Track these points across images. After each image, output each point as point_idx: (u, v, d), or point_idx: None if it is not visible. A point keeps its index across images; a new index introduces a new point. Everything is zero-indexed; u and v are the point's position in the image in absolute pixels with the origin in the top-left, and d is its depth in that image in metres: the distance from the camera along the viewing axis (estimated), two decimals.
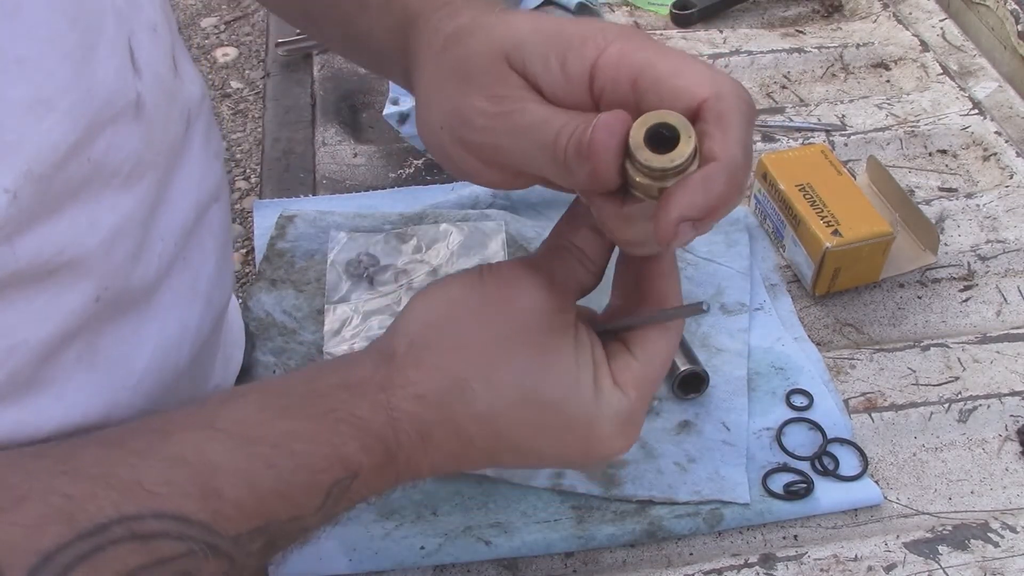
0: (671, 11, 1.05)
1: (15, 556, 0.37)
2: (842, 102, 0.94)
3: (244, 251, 2.17)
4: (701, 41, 1.01)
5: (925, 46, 1.00)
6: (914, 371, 0.71)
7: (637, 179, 0.42)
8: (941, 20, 1.04)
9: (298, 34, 1.02)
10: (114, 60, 0.43)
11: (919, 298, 0.77)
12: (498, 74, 0.45)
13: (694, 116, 0.42)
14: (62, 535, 0.38)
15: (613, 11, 1.07)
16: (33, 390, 0.43)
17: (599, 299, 0.52)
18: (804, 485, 0.63)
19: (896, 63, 1.00)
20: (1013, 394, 0.69)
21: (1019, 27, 0.96)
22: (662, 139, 0.42)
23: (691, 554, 0.61)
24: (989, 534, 0.61)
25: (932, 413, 0.68)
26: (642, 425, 0.49)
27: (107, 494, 0.39)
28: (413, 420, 0.46)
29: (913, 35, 1.01)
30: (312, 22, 0.62)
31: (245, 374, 0.69)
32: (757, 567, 0.59)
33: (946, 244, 0.80)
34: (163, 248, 0.50)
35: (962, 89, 0.94)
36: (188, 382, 0.55)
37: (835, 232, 0.72)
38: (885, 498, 0.63)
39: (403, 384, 0.46)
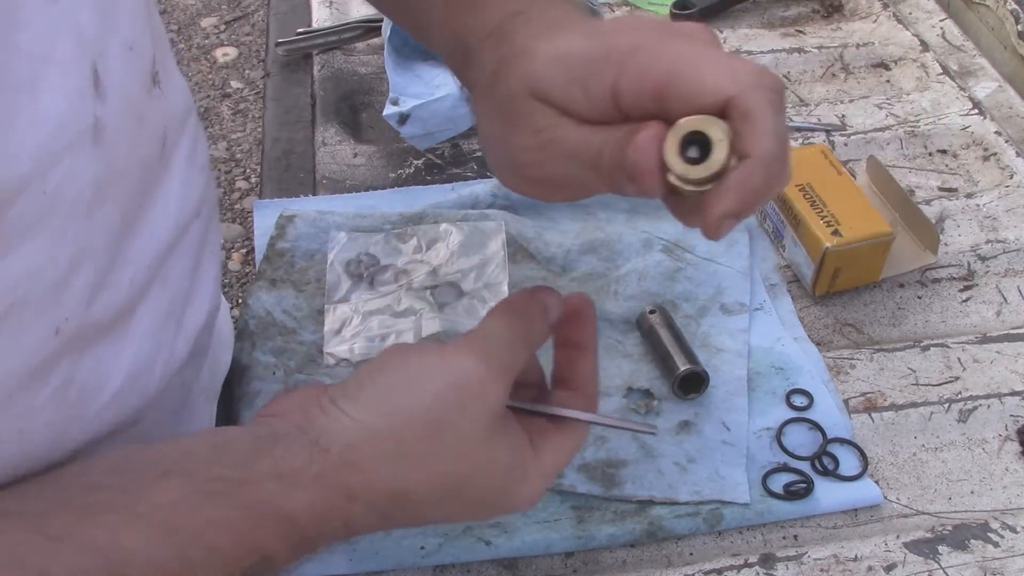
0: (671, 11, 1.05)
1: None
2: (842, 102, 0.94)
3: (244, 251, 2.17)
4: None
5: (925, 46, 1.00)
6: (914, 371, 0.71)
7: (679, 186, 0.43)
8: (941, 20, 1.04)
9: (298, 34, 1.02)
10: (66, 86, 0.42)
11: (919, 298, 0.77)
12: (531, 110, 0.46)
13: (723, 114, 0.43)
14: None
15: (613, 11, 1.07)
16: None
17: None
18: (804, 485, 0.63)
19: (896, 63, 1.00)
20: (1013, 394, 0.69)
21: (1019, 27, 0.96)
22: (698, 141, 0.43)
23: (691, 554, 0.61)
24: (989, 534, 0.61)
25: (932, 413, 0.68)
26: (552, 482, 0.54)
27: None
28: (343, 516, 0.46)
29: (913, 35, 1.01)
30: (401, 23, 0.64)
31: (244, 374, 0.69)
32: (757, 567, 0.59)
33: (946, 244, 0.80)
34: (134, 273, 0.50)
35: (962, 89, 0.94)
36: (161, 402, 0.55)
37: (835, 232, 0.72)
38: (885, 498, 0.63)
39: (337, 486, 0.46)
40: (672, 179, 0.43)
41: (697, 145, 0.43)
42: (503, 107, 0.48)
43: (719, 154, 0.42)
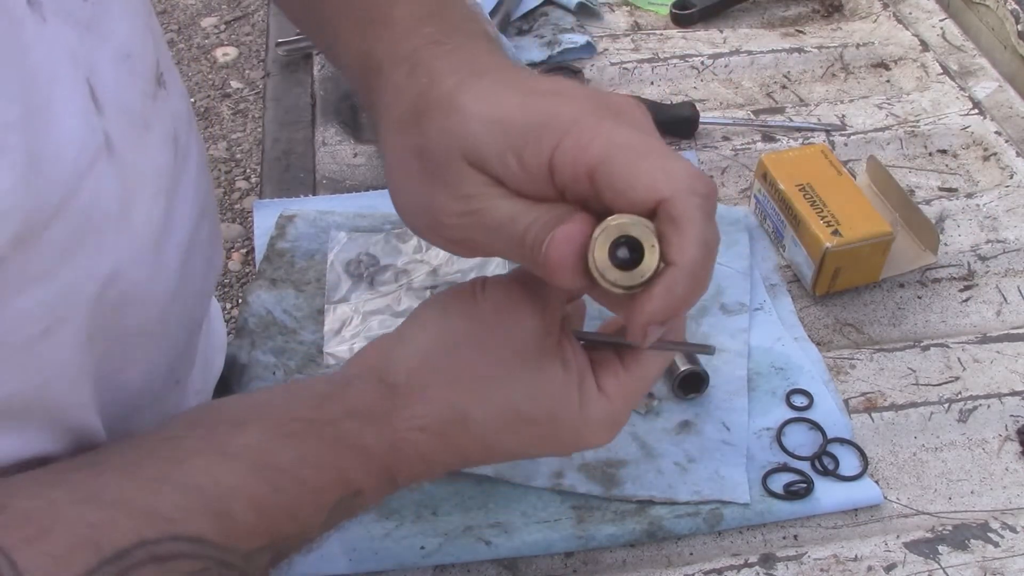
0: (671, 11, 1.05)
1: None
2: (842, 102, 0.94)
3: (244, 251, 2.17)
4: (701, 41, 1.01)
5: (925, 46, 1.00)
6: (914, 371, 0.71)
7: (604, 287, 0.43)
8: (941, 20, 1.04)
9: (298, 34, 1.02)
10: (75, 105, 0.42)
11: (919, 298, 0.77)
12: (459, 173, 0.45)
13: (652, 214, 0.42)
14: (89, 562, 0.39)
15: (613, 11, 1.07)
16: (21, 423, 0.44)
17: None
18: (804, 485, 0.63)
19: (896, 63, 1.00)
20: (1013, 394, 0.69)
21: (1019, 27, 0.96)
22: (628, 242, 0.43)
23: (691, 554, 0.61)
24: (989, 534, 0.61)
25: (932, 413, 0.68)
26: (626, 422, 0.51)
27: (127, 521, 0.41)
28: (415, 447, 0.48)
29: (913, 35, 1.01)
30: (308, 33, 0.63)
31: (244, 373, 0.69)
32: (757, 567, 0.59)
33: (946, 244, 0.80)
34: (167, 279, 0.51)
35: (962, 89, 0.94)
36: (164, 404, 0.56)
37: (835, 232, 0.72)
38: (885, 498, 0.63)
39: (407, 417, 0.48)
40: (597, 277, 0.43)
41: (626, 246, 0.43)
42: (424, 157, 0.46)
43: (650, 262, 0.42)
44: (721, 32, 1.03)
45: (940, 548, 0.60)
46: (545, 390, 0.49)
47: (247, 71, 2.68)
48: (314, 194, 0.85)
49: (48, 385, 0.44)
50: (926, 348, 0.72)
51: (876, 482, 0.64)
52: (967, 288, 0.77)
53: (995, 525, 0.61)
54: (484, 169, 0.44)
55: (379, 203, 0.83)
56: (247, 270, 2.11)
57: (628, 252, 0.43)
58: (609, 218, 0.42)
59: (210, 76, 2.66)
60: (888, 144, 0.89)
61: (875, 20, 1.05)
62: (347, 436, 0.47)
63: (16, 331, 0.41)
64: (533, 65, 0.97)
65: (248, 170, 2.38)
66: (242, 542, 0.44)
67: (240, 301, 0.69)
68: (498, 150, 0.43)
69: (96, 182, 0.43)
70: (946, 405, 0.68)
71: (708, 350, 0.52)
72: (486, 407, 0.49)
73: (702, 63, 0.98)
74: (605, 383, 0.50)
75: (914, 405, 0.68)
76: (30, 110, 0.39)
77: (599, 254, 0.42)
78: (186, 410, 0.49)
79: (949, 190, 0.86)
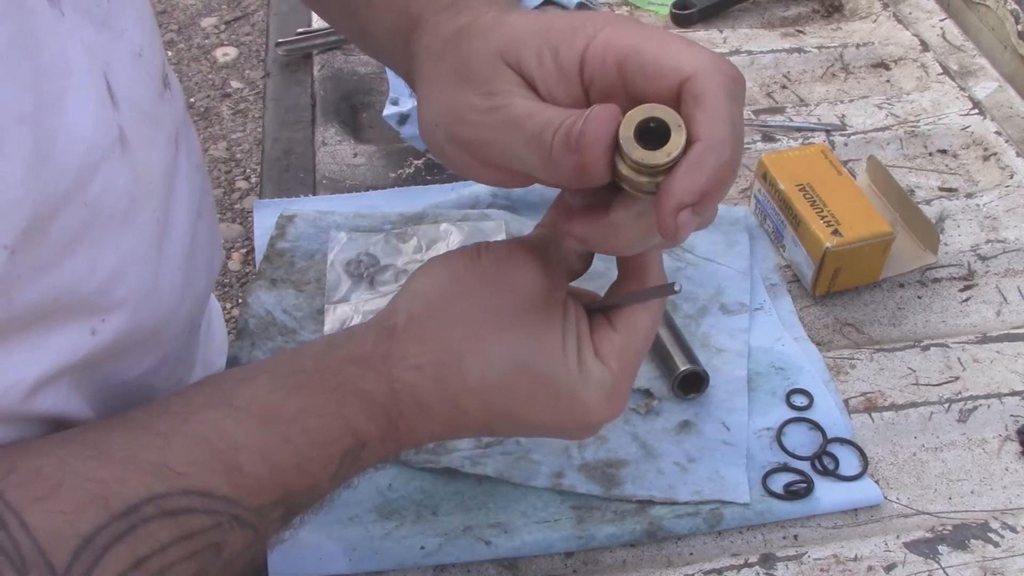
0: (671, 11, 1.05)
1: (58, 541, 0.39)
2: (842, 102, 0.94)
3: (244, 251, 2.17)
4: (701, 41, 1.01)
5: (925, 46, 1.00)
6: (914, 371, 0.71)
7: (629, 175, 0.42)
8: (941, 20, 1.04)
9: (298, 34, 1.02)
10: (89, 100, 0.43)
11: (919, 298, 0.77)
12: (494, 72, 0.45)
13: (677, 102, 0.42)
14: (99, 518, 0.40)
15: (613, 11, 1.07)
16: (17, 421, 0.44)
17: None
18: (804, 485, 0.63)
19: (896, 63, 1.00)
20: (1013, 394, 0.69)
21: (1019, 27, 0.96)
22: (652, 133, 0.42)
23: (691, 554, 0.61)
24: (989, 534, 0.61)
25: (932, 413, 0.68)
26: (627, 396, 0.52)
27: (136, 476, 0.41)
28: (412, 390, 0.48)
29: (913, 35, 1.01)
30: (325, 10, 0.64)
31: None
32: (757, 567, 0.59)
33: (946, 244, 0.80)
34: (172, 277, 0.52)
35: (962, 89, 0.94)
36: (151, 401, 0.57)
37: (835, 232, 0.72)
38: (885, 498, 0.63)
39: (403, 356, 0.48)
40: (620, 167, 0.42)
41: (651, 137, 0.42)
42: (459, 67, 0.47)
43: (678, 139, 0.41)
44: (721, 32, 1.03)
45: (940, 548, 0.60)
46: (544, 344, 0.49)
47: (247, 71, 2.68)
48: (314, 194, 0.85)
49: (50, 380, 0.44)
50: (926, 348, 0.72)
51: (876, 482, 0.64)
52: (967, 288, 0.77)
53: (995, 525, 0.61)
54: (519, 68, 0.45)
55: (379, 203, 0.83)
56: (247, 270, 2.11)
57: (654, 140, 0.42)
58: (636, 106, 0.42)
59: (210, 76, 2.66)
60: (888, 144, 0.89)
61: (875, 20, 1.05)
62: (349, 381, 0.47)
63: (23, 321, 0.41)
64: None
65: (248, 170, 2.38)
66: (253, 496, 0.44)
67: (240, 302, 0.69)
68: (536, 47, 0.45)
69: (107, 175, 0.44)
70: (946, 405, 0.68)
71: (672, 289, 0.49)
72: (484, 355, 0.48)
73: None
74: (600, 346, 0.50)
75: (914, 405, 0.68)
76: (44, 101, 0.39)
77: (624, 132, 0.42)
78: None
79: (949, 190, 0.86)
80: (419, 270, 0.51)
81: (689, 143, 0.41)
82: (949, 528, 0.61)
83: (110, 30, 0.46)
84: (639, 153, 0.41)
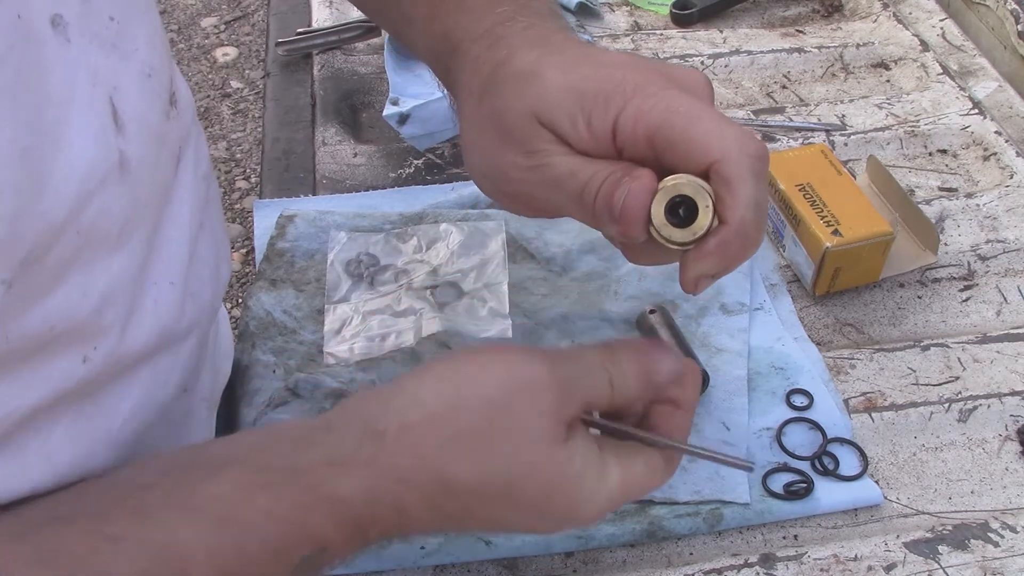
0: (671, 11, 1.05)
1: None
2: (842, 102, 0.94)
3: (244, 251, 2.17)
4: (701, 41, 1.01)
5: (925, 46, 1.00)
6: (914, 371, 0.71)
7: (660, 240, 0.47)
8: (941, 20, 1.04)
9: (298, 34, 1.02)
10: (90, 127, 0.42)
11: (919, 298, 0.77)
12: (530, 131, 0.48)
13: (707, 175, 0.46)
14: None
15: (613, 11, 1.07)
16: (16, 448, 0.44)
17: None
18: (804, 485, 0.63)
19: (896, 63, 1.00)
20: (1013, 394, 0.69)
21: (1019, 27, 0.96)
22: (683, 204, 0.46)
23: (691, 554, 0.61)
24: (989, 534, 0.61)
25: (932, 413, 0.68)
26: (617, 508, 0.52)
27: None
28: (395, 500, 0.45)
29: (913, 35, 1.01)
30: (373, 15, 0.66)
31: (245, 373, 0.69)
32: (757, 567, 0.59)
33: (946, 244, 0.80)
34: (157, 295, 0.51)
35: (962, 89, 0.94)
36: (171, 412, 0.56)
37: (835, 232, 0.72)
38: (885, 498, 0.63)
39: (392, 467, 0.45)
40: (654, 233, 0.47)
41: (683, 206, 0.46)
42: (498, 119, 0.49)
43: (703, 220, 0.46)
44: (721, 32, 1.03)
45: (940, 548, 0.60)
46: (548, 478, 0.46)
47: (247, 71, 2.68)
48: (314, 194, 0.85)
49: (52, 401, 0.44)
50: (926, 348, 0.72)
51: (876, 482, 0.64)
52: (967, 288, 0.77)
53: (995, 525, 0.61)
54: (554, 129, 0.48)
55: (379, 203, 0.83)
56: (247, 270, 2.11)
57: (684, 211, 0.46)
58: (667, 178, 0.46)
59: (210, 76, 2.66)
60: (888, 144, 0.89)
61: (875, 20, 1.05)
62: (322, 484, 0.45)
63: (21, 349, 0.41)
64: None
65: (248, 170, 2.38)
66: None
67: (240, 303, 0.69)
68: (569, 112, 0.47)
69: (103, 201, 0.43)
70: (946, 405, 0.68)
71: (748, 466, 0.51)
72: (480, 479, 0.46)
73: (702, 63, 0.98)
74: (608, 471, 0.48)
75: (914, 405, 0.68)
76: (45, 133, 0.39)
77: (656, 210, 0.46)
78: (168, 453, 0.48)
79: (949, 190, 0.86)
80: (420, 372, 0.48)
81: (715, 217, 0.46)
82: (949, 528, 0.61)
83: (119, 51, 0.45)
84: (668, 231, 0.46)
